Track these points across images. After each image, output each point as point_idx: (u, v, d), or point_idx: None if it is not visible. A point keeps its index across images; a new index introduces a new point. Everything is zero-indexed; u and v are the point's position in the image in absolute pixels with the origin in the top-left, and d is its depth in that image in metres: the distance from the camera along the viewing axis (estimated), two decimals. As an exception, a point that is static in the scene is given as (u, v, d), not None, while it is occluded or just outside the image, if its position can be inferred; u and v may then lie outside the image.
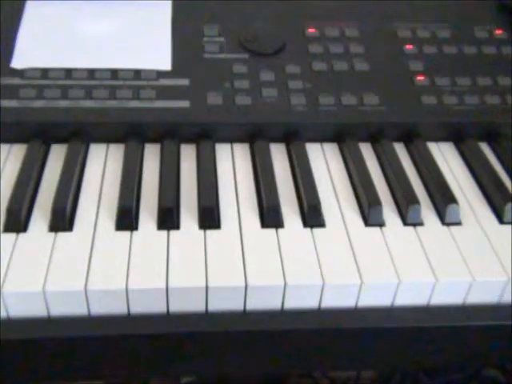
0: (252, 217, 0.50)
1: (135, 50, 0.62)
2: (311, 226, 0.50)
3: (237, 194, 0.53)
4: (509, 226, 0.51)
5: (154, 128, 0.57)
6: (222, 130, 0.58)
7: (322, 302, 0.46)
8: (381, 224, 0.50)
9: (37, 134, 0.56)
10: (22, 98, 0.56)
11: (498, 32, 0.66)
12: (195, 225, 0.49)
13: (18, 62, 0.59)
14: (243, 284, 0.44)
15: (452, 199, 0.52)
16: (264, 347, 0.48)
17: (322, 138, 0.59)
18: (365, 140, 0.59)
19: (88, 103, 0.56)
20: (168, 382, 0.95)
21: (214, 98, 0.57)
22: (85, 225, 0.48)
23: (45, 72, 0.58)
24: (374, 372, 0.99)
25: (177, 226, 0.49)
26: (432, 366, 0.66)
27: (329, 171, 0.56)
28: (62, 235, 0.47)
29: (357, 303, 0.47)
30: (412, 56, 0.63)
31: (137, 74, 0.59)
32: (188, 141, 0.58)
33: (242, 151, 0.58)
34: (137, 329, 0.45)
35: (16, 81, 0.57)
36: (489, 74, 0.62)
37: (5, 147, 0.56)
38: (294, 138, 0.58)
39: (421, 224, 0.51)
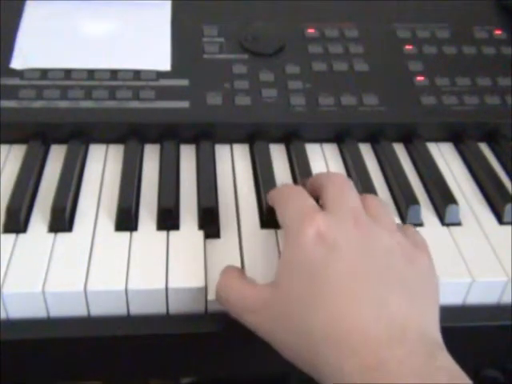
0: (251, 217, 0.50)
1: (135, 50, 0.62)
2: (311, 227, 0.50)
3: (236, 195, 0.53)
4: (508, 227, 0.51)
5: (153, 128, 0.57)
6: (221, 131, 0.57)
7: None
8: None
9: (36, 134, 0.56)
10: (21, 98, 0.56)
11: (498, 32, 0.66)
12: (195, 225, 0.49)
13: (17, 62, 0.59)
14: (243, 284, 0.44)
15: (452, 200, 0.52)
16: (264, 347, 0.48)
17: (321, 139, 0.59)
18: (364, 140, 0.59)
19: (88, 104, 0.56)
20: (168, 382, 0.95)
21: (214, 99, 0.57)
22: (84, 225, 0.48)
23: (44, 72, 0.58)
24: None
25: (176, 227, 0.49)
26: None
27: (328, 171, 0.56)
28: (61, 236, 0.47)
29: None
30: (412, 56, 0.63)
31: (136, 74, 0.59)
32: (188, 141, 0.58)
33: (241, 151, 0.58)
34: (137, 329, 0.45)
35: (15, 81, 0.57)
36: (488, 74, 0.62)
37: (4, 147, 0.56)
38: (294, 139, 0.58)
39: (420, 224, 0.51)
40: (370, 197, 0.44)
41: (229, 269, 0.44)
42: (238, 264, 0.46)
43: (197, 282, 0.44)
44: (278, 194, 0.46)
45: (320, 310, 0.36)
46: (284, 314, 0.38)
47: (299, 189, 0.44)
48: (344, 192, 0.43)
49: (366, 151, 0.59)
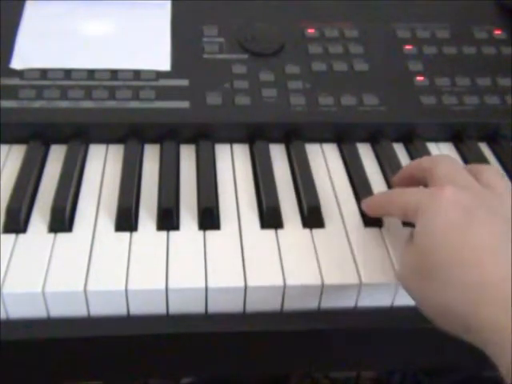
0: (252, 217, 0.50)
1: (135, 50, 0.62)
2: (311, 227, 0.50)
3: (236, 195, 0.53)
4: (508, 227, 0.51)
5: (153, 128, 0.57)
6: (221, 131, 0.58)
7: (321, 303, 0.46)
8: (380, 224, 0.50)
9: (36, 134, 0.56)
10: (21, 98, 0.56)
11: (498, 32, 0.66)
12: (195, 225, 0.49)
13: (17, 62, 0.59)
14: (243, 285, 0.44)
15: (452, 199, 0.52)
16: (264, 348, 0.48)
17: (321, 139, 0.59)
18: (364, 140, 0.59)
19: (87, 104, 0.56)
20: (168, 382, 0.95)
21: (214, 99, 0.57)
22: (84, 225, 0.48)
23: (44, 72, 0.58)
24: (374, 372, 0.99)
25: (176, 227, 0.49)
26: (432, 366, 0.66)
27: (328, 171, 0.56)
28: (61, 236, 0.47)
29: (356, 303, 0.47)
30: (411, 56, 0.63)
31: (136, 74, 0.59)
32: (187, 141, 0.58)
33: (241, 151, 0.58)
34: (136, 329, 0.45)
35: (15, 81, 0.57)
36: (488, 74, 0.62)
37: (4, 148, 0.56)
38: (294, 139, 0.58)
39: (420, 224, 0.51)
40: (483, 168, 0.46)
41: None
42: (239, 263, 0.46)
43: (197, 282, 0.44)
44: (388, 198, 0.47)
45: (466, 269, 0.38)
46: (429, 277, 0.40)
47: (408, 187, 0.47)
48: (457, 168, 0.45)
49: (366, 151, 0.59)
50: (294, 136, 0.58)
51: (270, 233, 0.49)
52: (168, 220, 0.49)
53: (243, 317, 0.46)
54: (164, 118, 0.56)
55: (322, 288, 0.45)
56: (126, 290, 0.44)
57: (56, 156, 0.55)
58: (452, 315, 0.39)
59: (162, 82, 0.58)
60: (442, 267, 0.39)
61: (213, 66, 0.61)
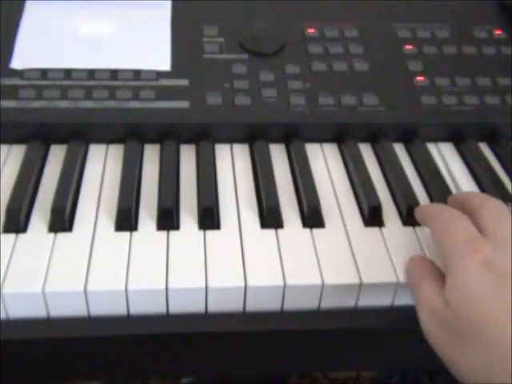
0: (252, 217, 0.50)
1: (135, 50, 0.62)
2: (311, 227, 0.50)
3: (236, 195, 0.53)
4: (508, 227, 0.51)
5: (153, 128, 0.57)
6: (221, 131, 0.58)
7: (321, 302, 0.46)
8: (380, 224, 0.50)
9: (36, 134, 0.56)
10: (21, 98, 0.56)
11: (498, 32, 0.66)
12: (195, 225, 0.49)
13: (17, 62, 0.59)
14: (243, 284, 0.44)
15: (452, 199, 0.52)
16: (264, 347, 0.48)
17: (321, 139, 0.59)
18: (364, 140, 0.59)
19: (87, 104, 0.56)
20: (168, 382, 0.95)
21: (214, 99, 0.57)
22: (84, 225, 0.48)
23: (44, 72, 0.58)
24: (374, 372, 0.99)
25: (176, 227, 0.49)
26: (432, 366, 0.66)
27: (328, 171, 0.56)
28: (61, 236, 0.47)
29: (356, 303, 0.47)
30: (412, 56, 0.63)
31: (136, 74, 0.59)
32: (188, 141, 0.58)
33: (241, 151, 0.58)
34: (136, 329, 0.45)
35: (15, 81, 0.57)
36: (489, 74, 0.62)
37: (4, 148, 0.56)
38: (294, 138, 0.58)
39: (420, 224, 0.51)
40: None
41: (422, 262, 0.45)
42: (239, 263, 0.46)
43: (197, 282, 0.44)
44: (438, 214, 0.46)
45: (497, 337, 0.37)
46: (456, 334, 0.39)
47: (461, 214, 0.44)
48: (503, 219, 0.43)
49: (366, 151, 0.59)
50: (294, 136, 0.58)
51: (270, 233, 0.49)
52: (168, 220, 0.49)
53: (243, 317, 0.46)
54: (164, 118, 0.56)
55: (322, 288, 0.45)
56: (126, 290, 0.44)
57: (56, 156, 0.56)
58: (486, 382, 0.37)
59: (162, 82, 0.58)
60: (479, 332, 0.38)
61: (213, 66, 0.61)
